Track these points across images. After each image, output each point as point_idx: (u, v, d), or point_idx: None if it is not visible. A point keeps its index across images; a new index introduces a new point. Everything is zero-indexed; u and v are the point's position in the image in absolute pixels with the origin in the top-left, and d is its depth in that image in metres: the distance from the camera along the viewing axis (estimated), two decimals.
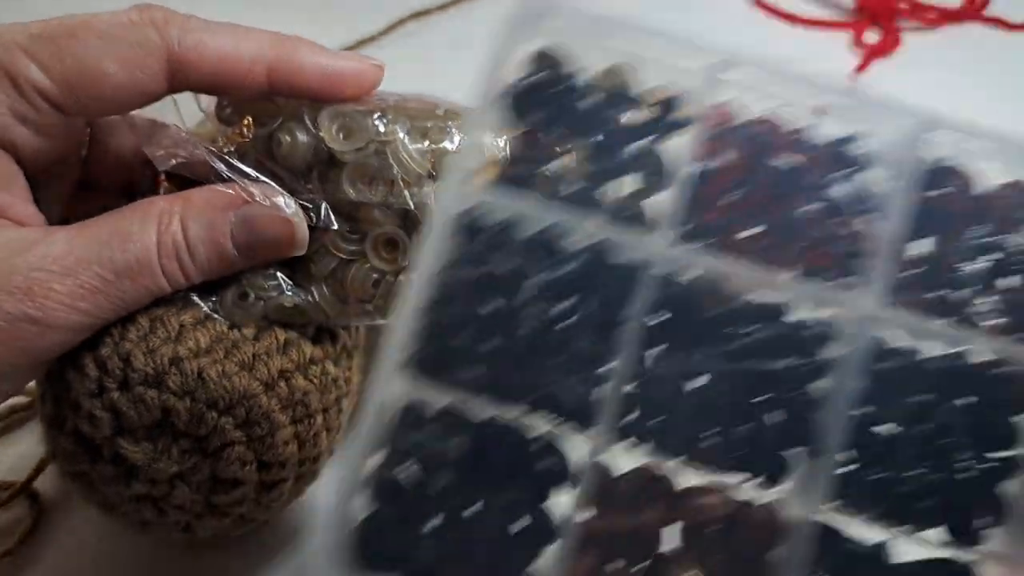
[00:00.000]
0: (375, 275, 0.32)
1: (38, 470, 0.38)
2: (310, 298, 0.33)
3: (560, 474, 0.27)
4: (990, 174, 0.28)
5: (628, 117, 0.29)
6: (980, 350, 0.27)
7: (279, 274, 0.32)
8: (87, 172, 0.34)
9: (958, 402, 0.27)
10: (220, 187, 0.31)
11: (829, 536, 0.27)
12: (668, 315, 0.27)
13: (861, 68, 0.60)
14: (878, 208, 0.28)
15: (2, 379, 0.30)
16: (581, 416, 0.27)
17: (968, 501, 0.27)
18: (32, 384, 0.33)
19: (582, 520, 0.26)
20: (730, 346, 0.27)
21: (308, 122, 0.31)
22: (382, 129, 0.31)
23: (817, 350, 0.27)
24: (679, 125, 0.28)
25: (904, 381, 0.27)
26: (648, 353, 0.27)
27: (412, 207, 0.31)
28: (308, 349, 0.32)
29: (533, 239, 0.27)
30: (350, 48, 0.60)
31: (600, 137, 0.28)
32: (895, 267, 0.27)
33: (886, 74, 0.60)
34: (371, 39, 0.61)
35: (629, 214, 0.28)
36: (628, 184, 0.28)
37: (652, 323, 0.27)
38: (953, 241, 0.28)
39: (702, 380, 0.27)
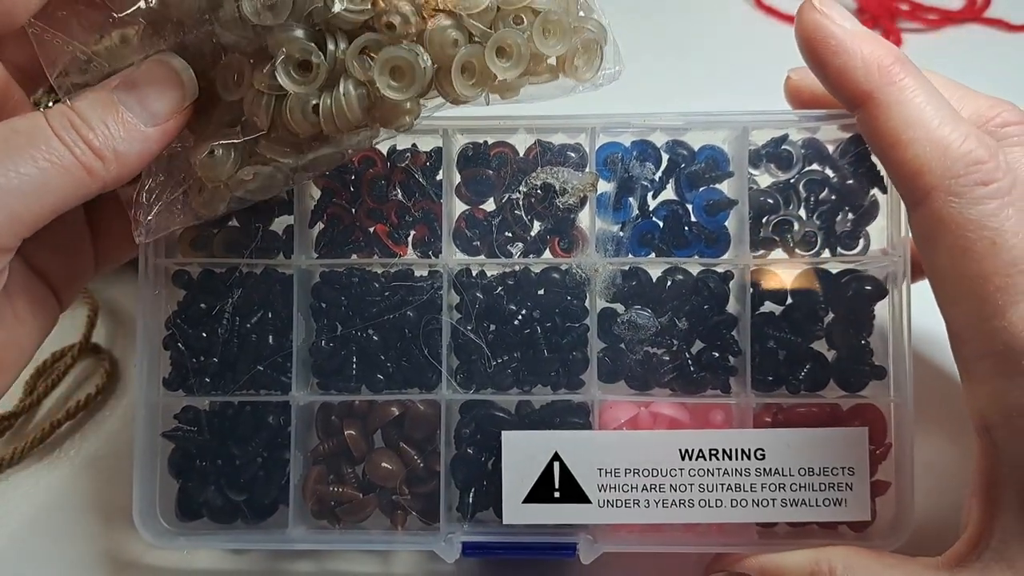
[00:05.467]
0: (313, 100, 0.29)
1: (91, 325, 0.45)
2: (262, 159, 0.30)
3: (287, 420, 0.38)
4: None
5: None
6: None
7: (231, 153, 0.30)
8: None
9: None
10: None
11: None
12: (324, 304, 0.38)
13: None
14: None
15: None
16: (282, 386, 0.38)
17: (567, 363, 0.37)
18: None
19: (313, 446, 0.38)
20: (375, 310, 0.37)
21: None
22: None
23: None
24: None
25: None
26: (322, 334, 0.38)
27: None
28: None
29: None
30: None
31: None
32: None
33: None
34: None
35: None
36: None
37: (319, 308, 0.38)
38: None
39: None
